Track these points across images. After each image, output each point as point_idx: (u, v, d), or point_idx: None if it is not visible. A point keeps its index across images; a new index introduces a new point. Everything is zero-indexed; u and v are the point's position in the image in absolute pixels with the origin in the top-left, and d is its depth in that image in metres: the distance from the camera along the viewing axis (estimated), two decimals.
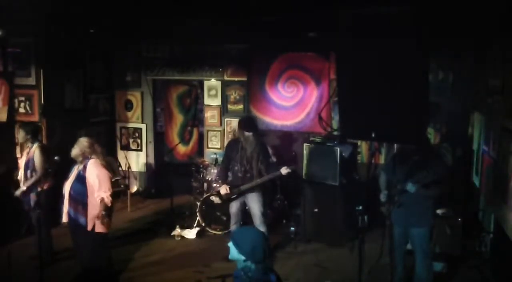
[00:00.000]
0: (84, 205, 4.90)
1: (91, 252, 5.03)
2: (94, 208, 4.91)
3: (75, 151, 4.99)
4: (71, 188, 4.96)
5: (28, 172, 5.70)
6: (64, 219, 5.05)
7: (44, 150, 5.80)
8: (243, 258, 2.84)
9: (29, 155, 5.73)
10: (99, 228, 4.94)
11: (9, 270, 4.98)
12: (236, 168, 5.90)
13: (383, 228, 5.02)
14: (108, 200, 4.89)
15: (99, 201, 4.88)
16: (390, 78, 4.21)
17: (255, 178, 5.80)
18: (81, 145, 5.00)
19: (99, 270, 5.12)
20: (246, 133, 5.77)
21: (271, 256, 2.92)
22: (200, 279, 5.56)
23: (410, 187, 4.53)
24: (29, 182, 5.68)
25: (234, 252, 2.89)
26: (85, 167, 4.95)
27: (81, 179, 4.93)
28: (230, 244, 2.93)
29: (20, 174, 5.85)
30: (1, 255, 5.55)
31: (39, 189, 5.59)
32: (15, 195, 5.78)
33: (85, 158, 4.98)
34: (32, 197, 5.71)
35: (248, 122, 5.91)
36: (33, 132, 5.88)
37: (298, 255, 6.29)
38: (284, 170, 5.71)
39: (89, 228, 4.91)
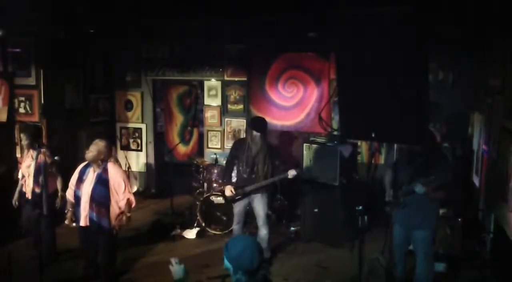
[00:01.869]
0: (107, 208, 4.92)
1: (112, 252, 5.12)
2: (114, 210, 4.98)
3: (92, 154, 4.94)
4: (92, 191, 4.91)
5: (41, 178, 5.47)
6: (83, 223, 4.97)
7: (52, 153, 5.76)
8: (230, 266, 2.78)
9: (38, 161, 5.53)
10: (119, 229, 5.05)
11: (9, 270, 4.98)
12: (241, 168, 5.85)
13: (386, 227, 5.02)
14: (133, 200, 5.01)
15: (125, 202, 4.94)
16: (390, 78, 4.21)
17: (259, 179, 5.75)
18: (100, 147, 4.96)
19: (114, 271, 5.19)
20: (254, 133, 5.72)
21: (261, 268, 2.83)
22: (200, 279, 5.56)
23: (419, 189, 4.48)
24: (60, 185, 5.65)
25: (225, 260, 2.84)
26: (105, 170, 4.94)
27: (103, 182, 4.91)
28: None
29: (28, 181, 5.68)
30: (1, 255, 5.56)
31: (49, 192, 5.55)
32: (35, 192, 5.62)
33: (103, 160, 4.97)
34: (45, 200, 5.51)
35: (258, 122, 5.87)
36: (37, 136, 5.80)
37: (298, 255, 6.29)
38: (291, 173, 5.64)
39: (114, 230, 4.99)
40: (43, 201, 5.48)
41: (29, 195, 5.72)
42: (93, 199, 4.90)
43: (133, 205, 5.06)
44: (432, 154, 4.68)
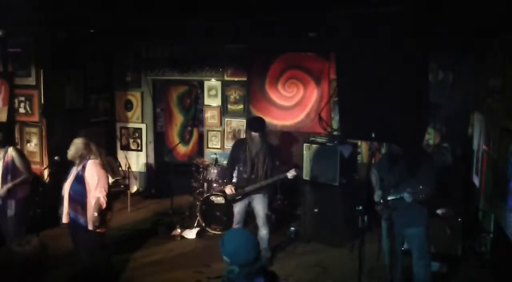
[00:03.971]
0: (83, 205, 4.91)
1: (91, 252, 5.04)
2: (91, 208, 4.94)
3: (71, 152, 4.99)
4: (70, 189, 4.97)
5: (9, 177, 5.46)
6: (65, 219, 5.04)
7: (22, 153, 5.70)
8: (228, 260, 2.81)
9: (6, 160, 5.48)
10: (97, 228, 4.96)
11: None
12: (241, 169, 5.86)
13: (379, 228, 5.03)
14: (103, 201, 4.89)
15: (95, 200, 4.88)
16: (390, 78, 4.20)
17: (260, 179, 5.75)
18: (76, 146, 4.99)
19: (99, 270, 5.13)
20: (253, 133, 5.72)
21: (258, 260, 2.86)
22: (200, 279, 5.57)
23: (408, 198, 4.53)
24: (16, 182, 5.48)
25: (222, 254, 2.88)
26: (84, 167, 4.95)
27: (80, 179, 4.93)
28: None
29: None
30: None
31: (19, 196, 5.51)
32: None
33: (83, 158, 4.98)
34: (10, 204, 5.50)
35: (256, 122, 5.88)
36: (7, 134, 5.72)
37: (298, 255, 6.29)
38: (290, 174, 5.65)
39: (89, 228, 4.92)
40: (8, 202, 5.44)
41: None
42: (70, 196, 4.96)
43: (103, 206, 4.91)
44: (416, 155, 4.70)
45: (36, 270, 3.12)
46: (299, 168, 6.10)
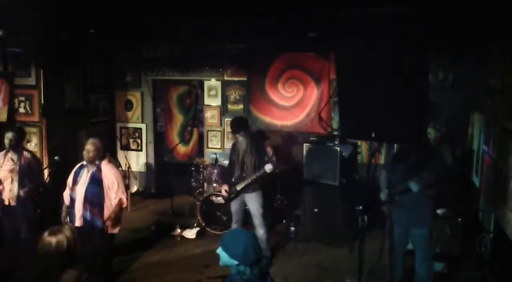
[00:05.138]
0: (101, 207, 4.91)
1: (107, 252, 5.10)
2: (109, 209, 4.96)
3: (93, 154, 4.93)
4: (86, 191, 4.91)
5: (26, 180, 5.42)
6: (78, 223, 4.94)
7: (36, 155, 5.71)
8: (235, 262, 2.77)
9: (22, 162, 5.43)
10: (112, 229, 4.99)
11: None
12: (236, 168, 5.96)
13: (383, 228, 5.03)
14: (125, 201, 5.01)
15: (117, 201, 4.92)
16: (390, 78, 4.21)
17: (249, 176, 5.82)
18: (97, 146, 4.96)
19: (107, 271, 5.16)
20: (236, 134, 5.82)
21: (263, 257, 2.86)
22: (200, 279, 5.56)
23: (414, 186, 4.53)
24: (36, 183, 5.46)
25: (225, 258, 2.82)
26: (99, 169, 4.94)
27: (97, 181, 4.91)
28: (220, 250, 2.86)
29: (11, 187, 5.44)
30: None
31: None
32: (20, 196, 5.42)
33: (102, 159, 4.99)
34: (29, 205, 5.48)
35: (236, 123, 5.91)
36: (23, 137, 5.66)
37: (298, 255, 6.29)
38: (267, 167, 5.66)
39: (109, 230, 4.95)
40: (27, 204, 5.43)
41: (11, 202, 5.49)
42: (86, 198, 4.90)
43: (124, 205, 5.02)
44: (424, 152, 4.70)
45: (72, 258, 3.11)
46: (275, 161, 6.05)
